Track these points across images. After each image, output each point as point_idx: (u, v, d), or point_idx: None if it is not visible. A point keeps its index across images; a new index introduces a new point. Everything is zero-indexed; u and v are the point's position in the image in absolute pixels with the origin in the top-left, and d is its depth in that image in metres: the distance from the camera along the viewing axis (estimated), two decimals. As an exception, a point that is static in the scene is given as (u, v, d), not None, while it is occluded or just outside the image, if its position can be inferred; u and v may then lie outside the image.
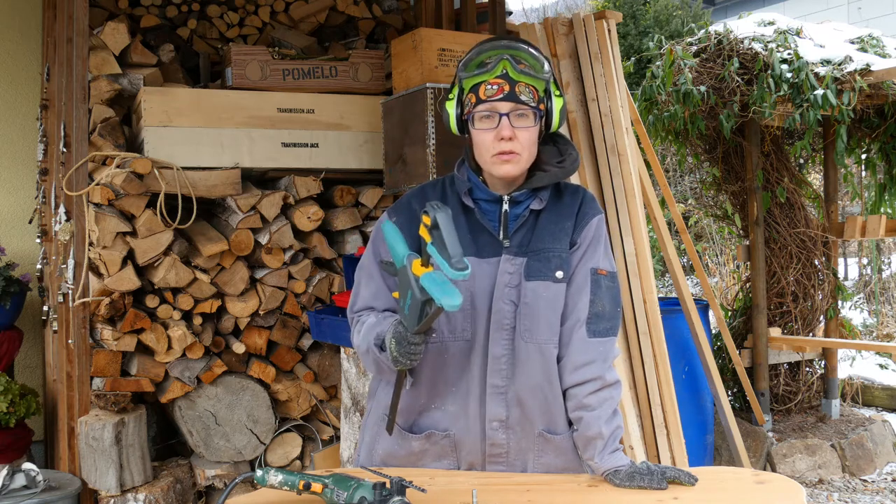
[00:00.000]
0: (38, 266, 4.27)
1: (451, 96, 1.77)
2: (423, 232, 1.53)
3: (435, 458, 1.79)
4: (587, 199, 1.84)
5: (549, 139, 1.83)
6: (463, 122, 1.78)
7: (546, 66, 1.72)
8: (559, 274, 1.75)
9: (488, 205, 1.79)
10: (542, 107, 1.73)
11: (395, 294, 1.65)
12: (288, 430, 3.63)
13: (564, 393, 1.77)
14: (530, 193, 1.78)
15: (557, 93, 1.75)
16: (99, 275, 3.26)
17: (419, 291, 1.51)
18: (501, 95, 1.68)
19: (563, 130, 3.66)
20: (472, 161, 1.80)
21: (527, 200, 1.78)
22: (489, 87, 1.69)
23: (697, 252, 6.10)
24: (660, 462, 3.36)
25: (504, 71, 1.68)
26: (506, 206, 1.77)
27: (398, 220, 1.79)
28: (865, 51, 4.29)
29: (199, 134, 3.44)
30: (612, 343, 1.77)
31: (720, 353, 4.77)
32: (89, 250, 3.22)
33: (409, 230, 1.75)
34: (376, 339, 1.70)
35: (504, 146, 1.70)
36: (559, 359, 1.77)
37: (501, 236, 1.76)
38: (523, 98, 1.69)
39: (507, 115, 1.69)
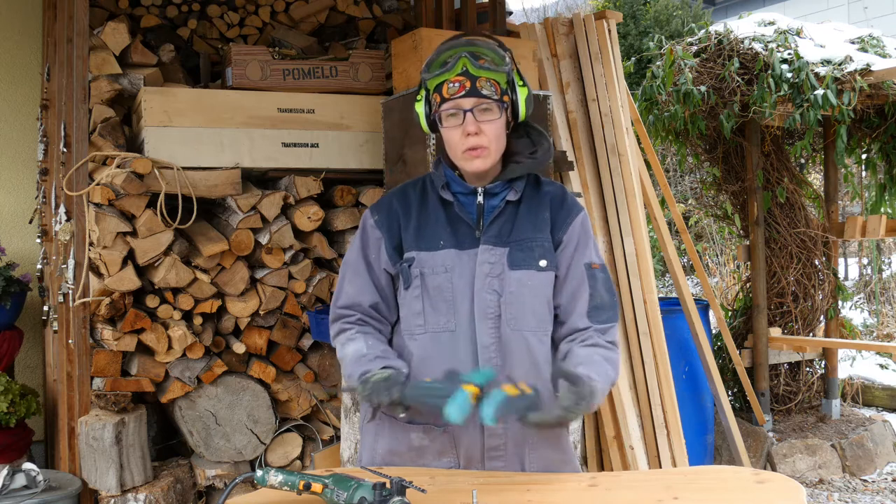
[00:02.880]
0: (39, 266, 4.27)
1: (419, 98, 1.83)
2: (510, 388, 1.60)
3: (435, 456, 1.80)
4: (567, 196, 1.89)
5: (522, 131, 1.87)
6: (433, 122, 1.83)
7: (506, 59, 1.77)
8: (543, 263, 1.79)
9: (465, 197, 1.84)
10: (505, 98, 1.78)
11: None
12: (288, 430, 3.63)
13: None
14: (505, 185, 1.83)
15: (521, 83, 1.80)
16: (99, 275, 3.26)
17: (446, 393, 1.59)
18: (463, 92, 1.74)
19: (563, 130, 3.67)
20: (447, 157, 1.85)
21: (502, 192, 1.83)
22: (451, 84, 1.74)
23: (697, 252, 6.10)
24: (660, 462, 3.36)
25: (464, 68, 1.74)
26: (480, 199, 1.82)
27: (379, 219, 1.86)
28: (866, 51, 4.29)
29: (199, 134, 3.44)
30: (614, 329, 1.83)
31: (720, 353, 4.77)
32: (89, 250, 3.22)
33: (387, 227, 1.84)
34: (361, 377, 1.72)
35: (471, 141, 1.76)
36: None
37: (477, 226, 1.81)
38: (485, 92, 1.74)
39: (471, 110, 1.75)
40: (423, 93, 1.83)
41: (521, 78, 1.81)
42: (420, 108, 1.84)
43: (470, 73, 1.73)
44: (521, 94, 1.80)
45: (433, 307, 1.77)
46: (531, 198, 1.85)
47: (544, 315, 1.80)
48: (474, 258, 1.78)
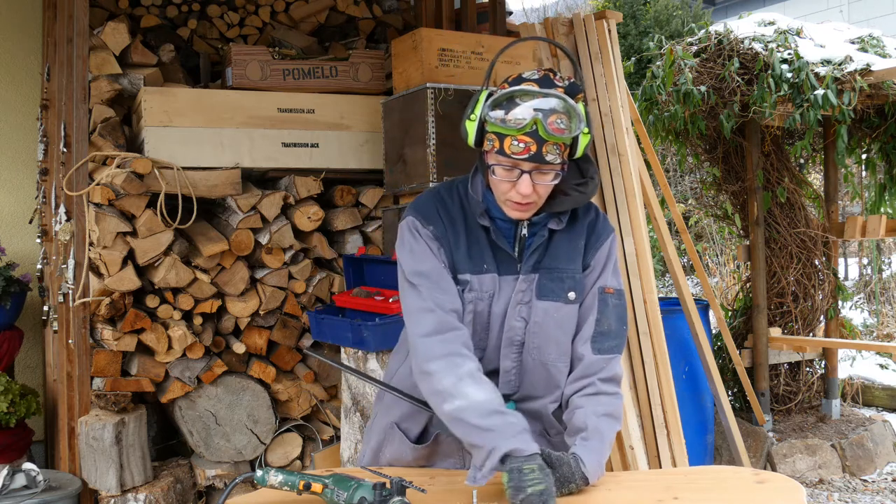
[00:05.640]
0: (39, 266, 4.27)
1: (472, 117, 1.69)
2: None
3: (442, 458, 1.82)
4: (600, 219, 1.82)
5: (572, 161, 1.77)
6: (481, 138, 1.71)
7: (580, 121, 1.63)
8: (571, 295, 1.74)
9: (505, 223, 1.76)
10: (566, 154, 1.68)
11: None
12: (288, 430, 3.63)
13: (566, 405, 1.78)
14: (549, 216, 1.75)
15: (586, 130, 1.67)
16: (99, 275, 3.26)
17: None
18: (527, 155, 1.61)
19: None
20: (487, 178, 1.74)
21: (544, 221, 1.75)
22: (516, 143, 1.61)
23: (697, 252, 6.10)
24: (660, 462, 3.35)
25: (534, 128, 1.60)
26: (524, 231, 1.74)
27: (436, 230, 1.74)
28: (866, 51, 4.28)
29: (199, 134, 3.44)
30: (616, 361, 1.76)
31: (720, 353, 4.77)
32: (89, 250, 3.22)
33: (445, 240, 1.73)
34: (507, 459, 1.54)
35: (521, 199, 1.66)
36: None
37: (518, 257, 1.75)
38: (549, 158, 1.62)
39: (530, 172, 1.64)
40: (478, 112, 1.67)
41: (588, 125, 1.67)
42: (471, 127, 1.68)
43: (539, 135, 1.60)
44: (583, 141, 1.68)
45: (472, 329, 1.74)
46: (570, 226, 1.78)
47: (567, 347, 1.76)
48: (512, 285, 1.73)
